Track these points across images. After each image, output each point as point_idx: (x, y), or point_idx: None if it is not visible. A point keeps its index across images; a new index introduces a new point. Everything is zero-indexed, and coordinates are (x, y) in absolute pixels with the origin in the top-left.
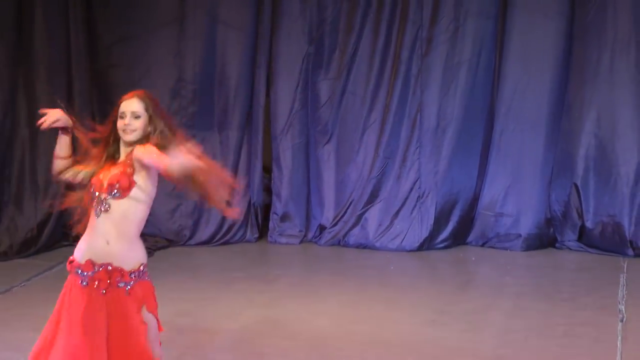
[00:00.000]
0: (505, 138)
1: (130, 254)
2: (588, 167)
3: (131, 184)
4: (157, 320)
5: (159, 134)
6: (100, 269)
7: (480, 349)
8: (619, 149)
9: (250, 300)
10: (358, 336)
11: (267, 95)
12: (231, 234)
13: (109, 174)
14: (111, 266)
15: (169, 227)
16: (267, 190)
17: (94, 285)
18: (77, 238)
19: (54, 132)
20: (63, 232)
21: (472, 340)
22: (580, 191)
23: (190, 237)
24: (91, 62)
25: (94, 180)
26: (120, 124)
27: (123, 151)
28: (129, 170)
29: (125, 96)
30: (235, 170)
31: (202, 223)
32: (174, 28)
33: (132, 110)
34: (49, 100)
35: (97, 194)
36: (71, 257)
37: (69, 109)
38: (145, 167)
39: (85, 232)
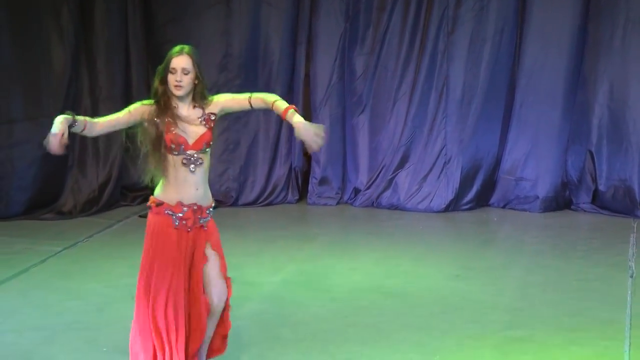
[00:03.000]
0: (525, 108)
1: (208, 194)
2: (601, 136)
3: (212, 139)
4: (222, 258)
5: (202, 84)
6: (188, 209)
7: (501, 301)
8: (629, 118)
9: (291, 256)
10: (389, 289)
11: (307, 69)
12: (274, 195)
13: (192, 132)
14: (196, 205)
15: (217, 189)
16: (307, 156)
17: (182, 224)
18: (135, 198)
19: (111, 103)
20: (121, 193)
21: (493, 293)
22: (594, 157)
23: (237, 199)
24: (147, 39)
25: (171, 137)
26: (171, 79)
27: (181, 104)
28: (213, 127)
29: (174, 53)
30: (277, 139)
31: (248, 186)
32: (221, 8)
33: (182, 67)
34: (108, 73)
35: (186, 151)
36: (155, 200)
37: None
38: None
39: (170, 183)
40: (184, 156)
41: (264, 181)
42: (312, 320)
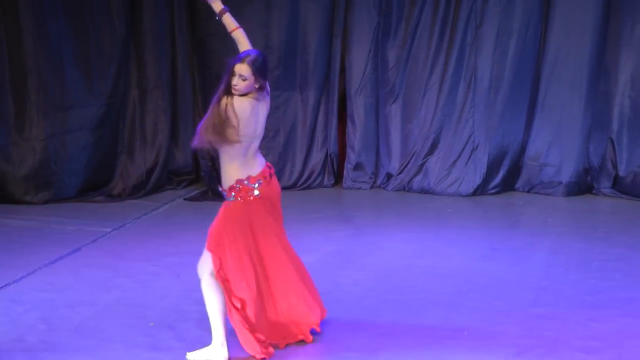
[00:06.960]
0: (549, 98)
1: (225, 178)
2: (622, 124)
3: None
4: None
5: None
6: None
7: (526, 280)
8: None
9: (327, 236)
10: (420, 269)
11: (343, 60)
12: (311, 180)
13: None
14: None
15: None
16: (342, 143)
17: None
18: (180, 182)
19: (158, 93)
20: (167, 177)
21: (518, 273)
22: (615, 145)
23: None
24: (192, 32)
25: None
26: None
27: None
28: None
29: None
30: (314, 127)
31: (286, 171)
32: (261, 3)
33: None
34: (155, 64)
35: None
36: None
37: None
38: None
39: None
40: None
41: (301, 166)
42: (347, 297)
